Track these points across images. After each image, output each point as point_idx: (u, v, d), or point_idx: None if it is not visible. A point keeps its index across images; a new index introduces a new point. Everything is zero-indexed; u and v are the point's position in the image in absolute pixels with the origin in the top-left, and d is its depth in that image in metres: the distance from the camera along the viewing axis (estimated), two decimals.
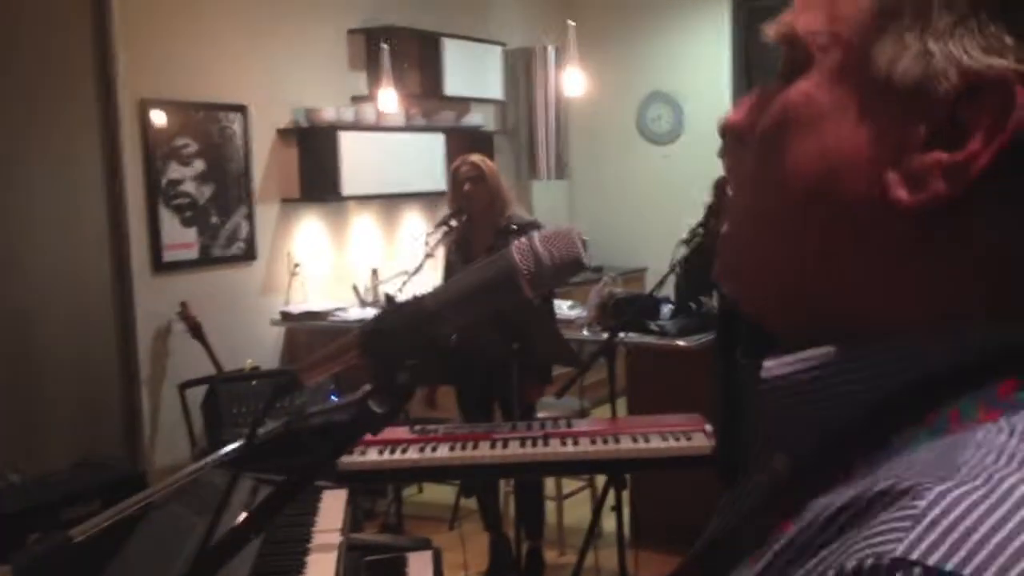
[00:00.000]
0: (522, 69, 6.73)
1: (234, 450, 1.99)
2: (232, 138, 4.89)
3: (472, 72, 6.16)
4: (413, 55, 5.90)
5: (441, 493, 4.74)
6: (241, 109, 4.91)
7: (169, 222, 4.59)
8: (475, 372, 3.84)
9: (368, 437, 2.60)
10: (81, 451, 3.93)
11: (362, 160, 5.27)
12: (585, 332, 4.42)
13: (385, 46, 5.29)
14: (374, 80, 5.50)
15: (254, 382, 4.25)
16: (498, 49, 6.42)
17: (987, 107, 0.45)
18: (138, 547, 1.91)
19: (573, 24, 5.38)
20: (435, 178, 5.58)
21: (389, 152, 5.46)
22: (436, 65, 5.92)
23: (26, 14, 4.03)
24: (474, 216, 3.79)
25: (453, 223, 3.78)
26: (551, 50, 6.67)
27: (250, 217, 4.98)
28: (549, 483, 4.20)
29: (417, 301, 0.81)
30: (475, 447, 2.66)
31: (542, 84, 6.72)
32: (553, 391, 3.74)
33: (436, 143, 5.76)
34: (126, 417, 4.43)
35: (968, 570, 0.37)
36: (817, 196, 0.50)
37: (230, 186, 4.88)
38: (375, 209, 5.72)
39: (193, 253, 4.70)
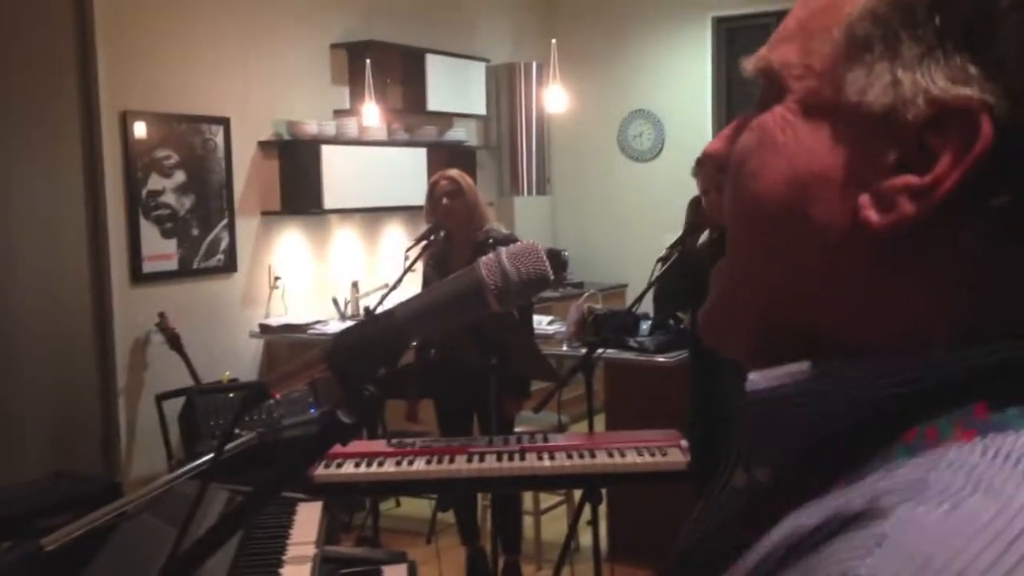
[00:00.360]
0: (505, 85, 6.77)
1: (206, 462, 1.99)
2: (214, 150, 4.89)
3: (455, 88, 6.19)
4: (396, 70, 5.93)
5: (419, 507, 4.74)
6: (223, 121, 4.92)
7: (149, 233, 4.58)
8: (454, 386, 3.85)
9: (345, 450, 2.59)
10: (57, 462, 3.91)
11: (344, 174, 5.28)
12: (565, 347, 4.44)
13: (367, 61, 5.31)
14: (357, 94, 5.52)
15: (231, 394, 4.24)
16: (482, 65, 6.45)
17: (953, 134, 0.47)
18: (111, 558, 1.91)
19: (555, 42, 5.42)
20: (417, 192, 5.57)
21: (371, 166, 5.47)
22: (419, 80, 5.95)
23: (7, 25, 4.03)
24: (452, 231, 3.81)
25: (432, 238, 3.79)
26: (534, 67, 6.71)
27: (231, 229, 4.98)
28: (527, 498, 4.21)
29: (385, 314, 0.82)
30: (452, 461, 2.67)
31: (525, 100, 6.75)
32: (531, 405, 3.75)
33: (418, 158, 5.78)
34: (103, 428, 4.41)
35: None
36: (790, 218, 0.52)
37: (211, 198, 4.88)
38: (356, 222, 5.73)
39: (172, 264, 4.69)
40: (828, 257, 0.51)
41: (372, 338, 0.81)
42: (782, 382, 0.52)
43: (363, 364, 0.81)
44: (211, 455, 2.01)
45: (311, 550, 2.08)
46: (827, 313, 0.52)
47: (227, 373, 4.59)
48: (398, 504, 4.95)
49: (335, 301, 5.31)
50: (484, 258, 0.82)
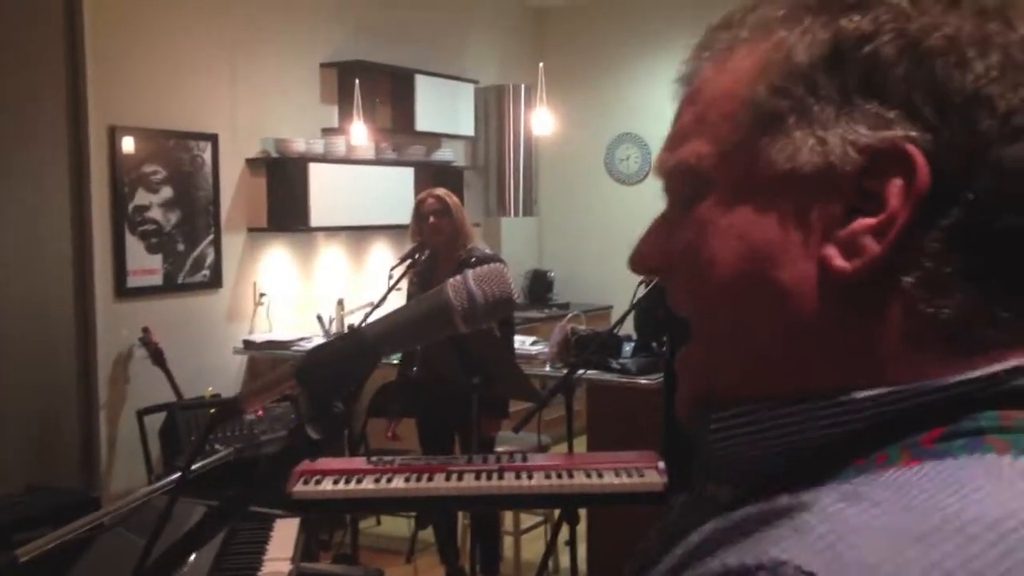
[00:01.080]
0: (493, 107, 6.82)
1: (180, 478, 2.00)
2: (201, 166, 4.91)
3: (444, 108, 6.23)
4: (385, 90, 5.97)
5: (399, 525, 4.73)
6: (211, 138, 4.94)
7: (134, 248, 4.59)
8: (436, 405, 3.86)
9: (324, 466, 2.60)
10: (36, 475, 3.90)
11: (331, 192, 5.30)
12: (547, 368, 4.45)
13: (356, 80, 5.35)
14: (345, 113, 5.55)
15: (213, 410, 4.24)
16: (470, 87, 6.50)
17: (891, 172, 0.50)
18: (86, 571, 1.91)
19: (543, 65, 5.47)
20: (404, 211, 5.58)
21: (358, 185, 5.50)
22: (408, 100, 5.99)
23: None
24: (437, 250, 3.83)
25: (417, 256, 3.82)
26: (523, 89, 6.77)
27: (216, 245, 4.99)
28: (507, 518, 4.22)
29: (354, 333, 0.84)
30: (430, 479, 2.68)
31: (513, 122, 6.80)
32: (511, 426, 3.76)
33: (406, 177, 5.81)
34: (83, 442, 4.40)
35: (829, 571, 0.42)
36: (757, 290, 0.55)
37: (197, 214, 4.90)
38: (343, 240, 5.75)
39: (157, 279, 4.70)
40: (799, 316, 0.54)
41: (341, 355, 0.83)
42: (741, 421, 0.55)
43: (331, 381, 0.83)
44: (181, 471, 2.02)
45: (286, 566, 2.09)
46: (801, 363, 0.55)
47: (210, 389, 4.58)
48: (379, 522, 4.94)
49: (320, 318, 5.32)
50: (451, 280, 0.85)
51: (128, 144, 4.55)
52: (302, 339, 5.04)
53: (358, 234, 5.78)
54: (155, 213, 4.70)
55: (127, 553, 1.99)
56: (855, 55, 0.52)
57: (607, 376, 4.17)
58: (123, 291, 4.55)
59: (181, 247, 4.82)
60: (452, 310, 0.83)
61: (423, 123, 6.05)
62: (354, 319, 5.36)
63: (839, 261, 0.52)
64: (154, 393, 4.39)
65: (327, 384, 0.82)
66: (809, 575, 0.42)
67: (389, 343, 0.85)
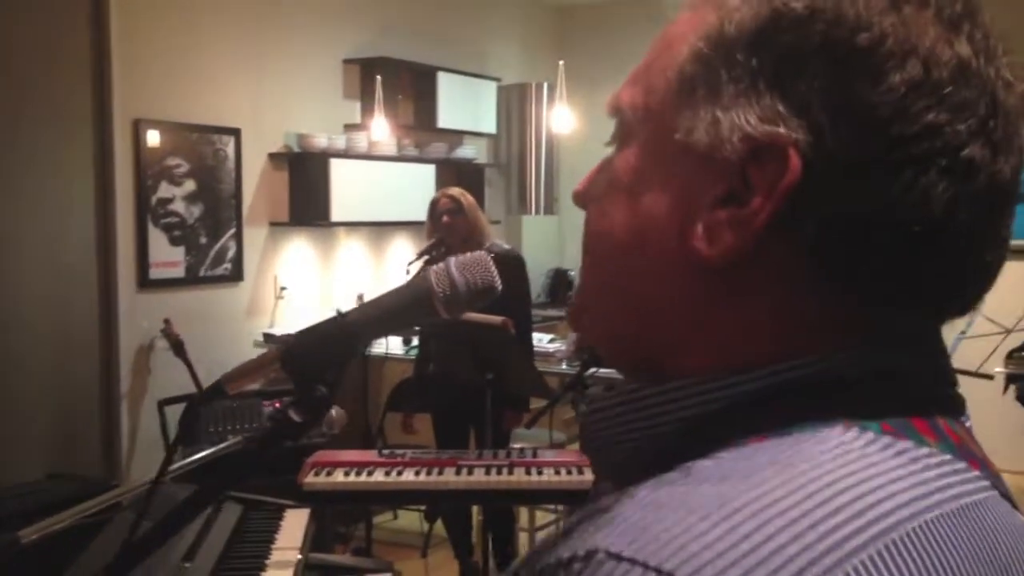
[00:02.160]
0: (516, 105, 6.82)
1: (193, 461, 2.02)
2: (224, 160, 4.95)
3: (466, 106, 6.25)
4: (408, 86, 5.99)
5: (415, 520, 4.76)
6: (234, 132, 4.98)
7: (157, 240, 4.64)
8: (451, 400, 3.88)
9: (336, 458, 2.61)
10: (58, 464, 3.96)
11: (352, 187, 5.33)
12: (564, 366, 4.46)
13: (378, 76, 5.38)
14: (367, 109, 5.58)
15: (234, 402, 4.27)
16: (493, 84, 6.51)
17: (767, 168, 0.50)
18: (96, 555, 1.94)
19: (562, 63, 5.47)
20: (424, 208, 5.58)
21: (379, 181, 5.52)
22: (430, 97, 6.01)
23: (23, 33, 4.11)
24: (453, 247, 3.85)
25: (433, 253, 3.84)
26: (544, 87, 6.77)
27: (238, 239, 5.03)
28: (522, 514, 4.23)
29: (339, 318, 0.86)
30: (440, 473, 2.69)
31: (535, 120, 6.80)
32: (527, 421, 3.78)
33: (427, 174, 5.83)
34: (104, 432, 4.46)
35: (638, 555, 0.42)
36: (631, 253, 0.56)
37: (220, 207, 4.94)
38: (363, 236, 5.78)
39: (179, 272, 4.74)
40: (664, 287, 0.55)
41: (324, 340, 0.85)
42: (613, 402, 0.56)
43: (314, 365, 0.84)
44: (202, 454, 2.05)
45: (294, 556, 2.11)
46: (664, 338, 0.56)
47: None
48: (395, 516, 4.97)
49: (339, 312, 5.34)
50: (434, 267, 0.86)
51: (152, 138, 4.60)
52: None
53: (378, 230, 5.81)
54: (178, 206, 4.75)
55: (139, 540, 2.01)
56: (778, 39, 0.51)
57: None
58: (145, 283, 4.60)
59: (203, 240, 4.87)
60: (433, 296, 0.84)
61: (445, 120, 6.07)
62: None
63: (700, 245, 0.53)
64: (175, 384, 4.44)
65: (310, 368, 0.84)
66: (616, 555, 0.43)
67: (372, 328, 0.86)
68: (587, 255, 0.60)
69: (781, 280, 0.52)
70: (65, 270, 4.31)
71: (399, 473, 2.68)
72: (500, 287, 0.85)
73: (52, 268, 4.25)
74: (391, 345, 4.60)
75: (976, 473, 0.51)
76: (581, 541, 0.45)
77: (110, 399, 4.49)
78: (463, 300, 0.85)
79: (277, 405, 3.98)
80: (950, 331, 3.23)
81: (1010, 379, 4.77)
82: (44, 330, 4.21)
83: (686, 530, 0.43)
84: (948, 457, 0.50)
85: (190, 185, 4.80)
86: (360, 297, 5.54)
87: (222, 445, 2.04)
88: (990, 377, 3.63)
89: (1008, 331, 4.03)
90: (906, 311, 0.53)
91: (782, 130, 0.50)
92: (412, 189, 5.67)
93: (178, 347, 4.45)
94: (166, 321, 4.50)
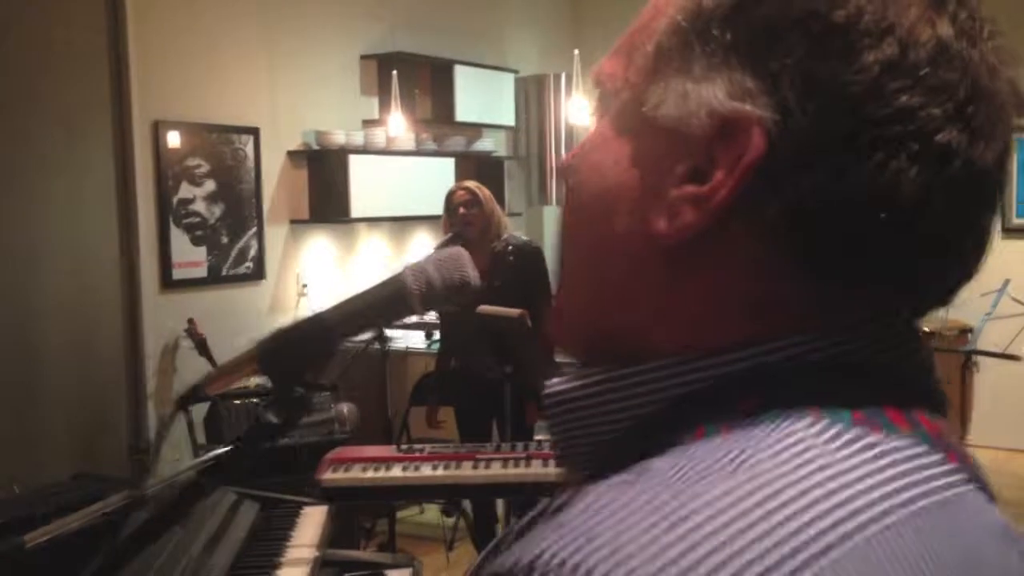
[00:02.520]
0: (534, 96, 6.80)
1: (203, 461, 2.03)
2: (244, 159, 4.98)
3: (484, 98, 6.23)
4: (425, 81, 5.99)
5: (440, 515, 4.77)
6: (253, 131, 5.00)
7: (179, 240, 4.68)
8: (473, 394, 3.88)
9: (354, 454, 2.61)
10: (85, 465, 4.00)
11: (372, 183, 5.34)
12: None
13: (395, 72, 5.38)
14: (385, 105, 5.58)
15: (257, 400, 4.30)
16: (510, 76, 6.49)
17: (733, 145, 0.49)
18: (113, 557, 1.96)
19: (578, 52, 5.44)
20: None
21: (399, 176, 5.53)
22: (448, 91, 6.00)
23: (41, 35, 4.15)
24: (470, 240, 3.85)
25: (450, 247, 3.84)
26: (563, 78, 6.74)
27: (259, 237, 5.06)
28: None
29: (314, 317, 0.85)
30: (458, 467, 2.69)
31: (554, 111, 6.78)
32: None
33: (446, 168, 5.82)
34: (132, 432, 4.50)
35: (580, 566, 0.40)
36: (599, 228, 0.54)
37: (240, 206, 4.97)
38: (384, 231, 5.79)
39: (202, 271, 4.78)
40: (630, 266, 0.53)
41: (300, 340, 0.84)
42: (572, 386, 0.54)
43: (291, 365, 0.84)
44: (213, 455, 2.06)
45: (311, 552, 2.12)
46: (629, 319, 0.54)
47: (253, 380, 4.65)
48: (421, 511, 4.98)
49: (315, 312, 5.36)
50: (410, 264, 0.85)
51: (172, 139, 4.63)
52: None
53: (399, 225, 5.82)
54: (199, 206, 4.78)
55: (159, 540, 2.03)
56: (754, 13, 0.49)
57: None
58: (169, 283, 4.64)
59: (225, 239, 4.90)
60: (410, 294, 0.83)
61: (463, 114, 6.06)
62: None
63: (659, 221, 0.51)
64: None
65: (287, 368, 0.83)
66: (560, 564, 0.40)
67: (349, 326, 0.86)
68: (561, 231, 0.59)
69: (745, 262, 0.50)
70: (88, 273, 4.35)
71: (417, 468, 2.68)
72: (477, 282, 0.84)
73: (75, 271, 4.30)
74: (413, 339, 4.61)
75: (952, 466, 0.49)
76: (527, 548, 0.43)
77: (136, 400, 4.53)
78: (440, 297, 0.84)
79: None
80: (976, 312, 3.15)
81: None
82: (68, 334, 4.26)
83: (632, 539, 0.41)
84: (922, 449, 0.48)
85: (210, 185, 4.83)
86: None
87: (220, 451, 2.05)
88: (1018, 358, 3.56)
89: None
90: (879, 299, 0.51)
91: (749, 107, 0.48)
92: (432, 183, 5.67)
93: (202, 346, 4.48)
94: (190, 321, 4.53)
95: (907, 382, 0.52)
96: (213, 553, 1.96)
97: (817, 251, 0.49)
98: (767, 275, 0.50)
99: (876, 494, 0.44)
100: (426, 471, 2.68)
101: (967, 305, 4.44)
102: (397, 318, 0.86)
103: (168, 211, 4.63)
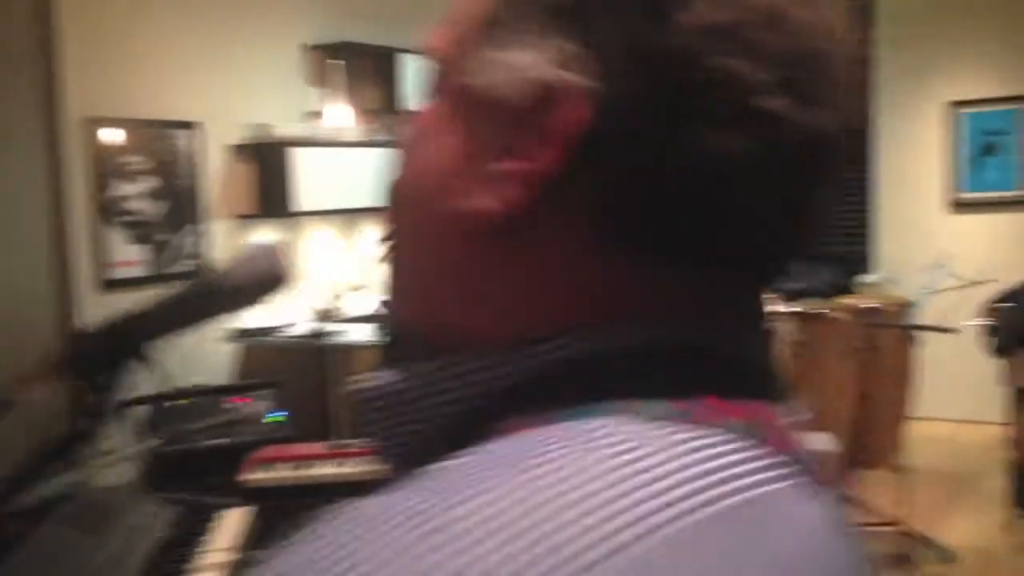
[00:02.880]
0: None
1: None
2: (183, 155, 4.89)
3: None
4: (370, 70, 5.91)
5: None
6: (193, 126, 4.91)
7: (117, 240, 4.58)
8: None
9: (281, 452, 2.56)
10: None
11: (318, 175, 5.27)
12: None
13: (339, 61, 5.30)
14: (330, 95, 5.51)
15: (198, 400, 4.23)
16: None
17: (551, 117, 0.45)
18: (17, 568, 1.90)
19: None
20: None
21: (346, 167, 5.46)
22: (394, 80, 5.93)
23: None
24: None
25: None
26: None
27: (201, 234, 4.97)
28: None
29: (117, 318, 0.80)
30: None
31: None
32: None
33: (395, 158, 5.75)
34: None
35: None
36: (421, 209, 0.51)
37: (181, 203, 4.88)
38: (332, 224, 5.72)
39: (141, 270, 4.69)
40: (449, 250, 0.50)
41: (100, 341, 0.79)
42: (386, 381, 0.51)
43: (90, 367, 0.79)
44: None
45: (226, 556, 2.06)
46: (450, 308, 0.51)
47: (195, 379, 4.58)
48: None
49: (311, 303, 5.30)
50: (221, 261, 0.80)
51: (106, 135, 4.53)
52: (292, 325, 5.03)
53: (348, 217, 5.75)
54: (137, 204, 4.69)
55: (64, 548, 1.97)
56: None
57: None
58: (107, 283, 4.54)
59: (165, 237, 4.81)
60: (220, 290, 0.79)
61: (410, 102, 5.99)
62: (346, 302, 5.34)
63: (478, 201, 0.47)
64: (141, 385, 4.39)
65: (86, 370, 0.78)
66: None
67: (156, 327, 0.81)
68: (388, 217, 0.56)
69: (569, 244, 0.47)
70: (17, 274, 4.25)
71: (341, 464, 2.63)
72: (287, 277, 0.80)
73: (5, 275, 4.19)
74: (358, 334, 4.55)
75: (770, 460, 0.45)
76: (261, 569, 0.39)
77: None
78: (252, 292, 0.79)
79: (237, 401, 3.93)
80: (920, 287, 3.14)
81: (991, 331, 4.72)
82: (2, 337, 4.16)
83: (373, 555, 0.36)
84: (738, 444, 0.44)
85: (149, 182, 4.73)
86: (332, 286, 5.49)
87: (134, 449, 1.99)
88: (954, 331, 3.58)
89: (972, 284, 3.98)
90: (712, 279, 0.48)
91: (569, 75, 0.45)
92: (380, 174, 5.60)
93: None
94: None
95: (741, 368, 0.49)
96: (121, 563, 1.90)
97: (643, 229, 0.46)
98: (592, 257, 0.47)
99: (676, 493, 0.40)
100: (356, 467, 2.64)
101: (910, 280, 4.47)
102: (210, 315, 0.81)
103: (104, 210, 4.54)
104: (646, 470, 0.40)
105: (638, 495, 0.39)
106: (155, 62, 4.76)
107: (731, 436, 0.44)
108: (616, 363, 0.46)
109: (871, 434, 3.97)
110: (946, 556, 3.82)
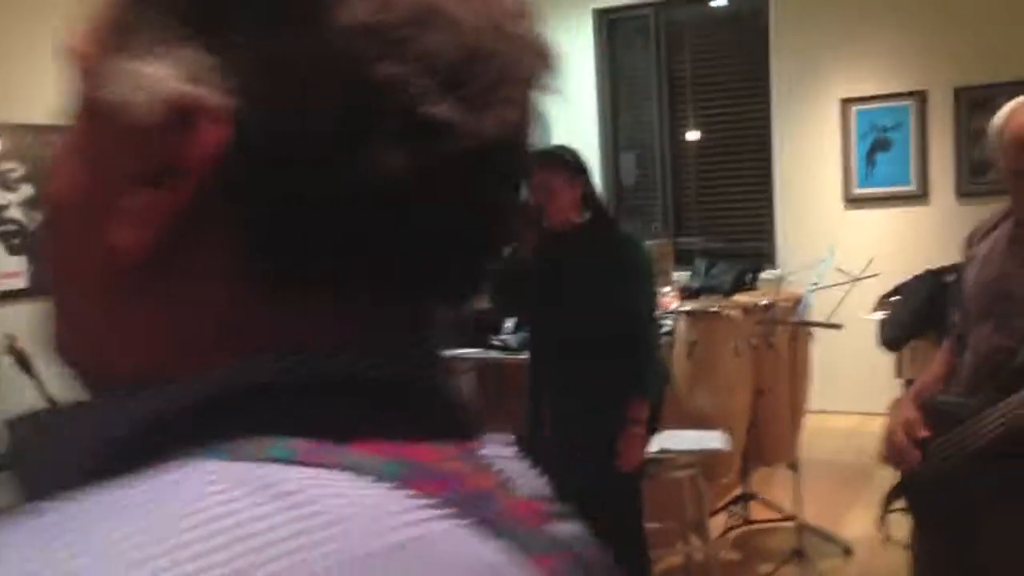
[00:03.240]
0: None
1: None
2: None
3: None
4: None
5: None
6: None
7: None
8: None
9: None
10: None
11: None
12: None
13: None
14: None
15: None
16: None
17: (186, 139, 0.40)
18: None
19: None
20: None
21: None
22: None
23: None
24: None
25: None
26: None
27: None
28: None
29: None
30: None
31: None
32: None
33: None
34: None
35: None
36: (62, 242, 0.46)
37: None
38: None
39: (21, 283, 4.49)
40: (89, 286, 0.45)
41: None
42: (49, 415, 0.47)
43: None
44: None
45: None
46: (94, 348, 0.46)
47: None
48: None
49: None
50: None
51: None
52: None
53: None
54: (15, 213, 4.49)
55: None
56: None
57: (491, 354, 4.13)
58: None
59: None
60: None
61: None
62: None
63: (112, 236, 0.42)
64: (26, 402, 4.20)
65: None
66: None
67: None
68: (41, 247, 0.51)
69: (208, 278, 0.42)
70: None
71: None
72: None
73: None
74: None
75: (427, 501, 0.39)
76: None
77: None
78: None
79: None
80: (802, 284, 3.16)
81: (881, 325, 4.82)
82: None
83: None
84: (383, 487, 0.39)
85: (28, 190, 4.54)
86: None
87: None
88: (838, 327, 3.63)
89: (856, 279, 4.04)
90: (379, 307, 0.44)
91: (202, 90, 0.40)
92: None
93: (25, 363, 4.21)
94: (8, 337, 4.25)
95: (406, 401, 0.44)
96: None
97: (293, 256, 0.41)
98: (235, 292, 0.42)
99: (273, 552, 0.34)
100: None
101: (806, 275, 4.53)
102: None
103: None
104: (244, 525, 0.35)
105: (224, 556, 0.34)
106: (31, 64, 4.56)
107: (368, 481, 0.38)
108: (238, 401, 0.41)
109: (768, 430, 4.01)
110: (843, 549, 3.87)
